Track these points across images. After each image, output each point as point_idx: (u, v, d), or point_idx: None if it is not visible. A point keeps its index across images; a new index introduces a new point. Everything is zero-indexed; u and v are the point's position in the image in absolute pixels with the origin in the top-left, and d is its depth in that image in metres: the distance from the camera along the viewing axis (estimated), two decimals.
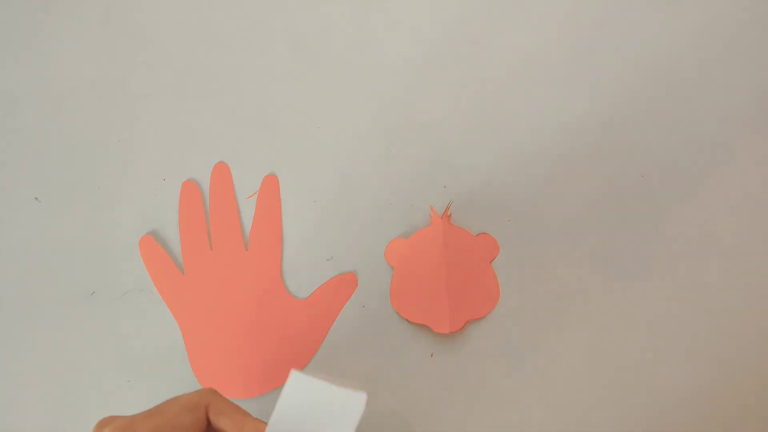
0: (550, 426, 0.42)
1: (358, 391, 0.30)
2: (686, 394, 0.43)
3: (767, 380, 0.43)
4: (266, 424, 0.30)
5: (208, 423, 0.31)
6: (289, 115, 0.48)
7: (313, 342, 0.43)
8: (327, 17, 0.49)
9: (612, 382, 0.42)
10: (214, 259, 0.45)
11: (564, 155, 0.47)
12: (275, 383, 0.43)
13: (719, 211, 0.46)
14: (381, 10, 0.49)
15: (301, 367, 0.43)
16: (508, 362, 0.43)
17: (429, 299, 0.43)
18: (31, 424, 0.42)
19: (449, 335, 0.43)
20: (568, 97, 0.48)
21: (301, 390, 0.30)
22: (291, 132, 0.47)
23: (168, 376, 0.43)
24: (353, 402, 0.30)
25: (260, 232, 0.45)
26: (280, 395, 0.30)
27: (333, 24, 0.49)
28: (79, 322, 0.44)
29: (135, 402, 0.42)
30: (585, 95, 0.48)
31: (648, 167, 0.46)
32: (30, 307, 0.44)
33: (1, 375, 0.43)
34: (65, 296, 0.44)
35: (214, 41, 0.49)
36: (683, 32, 0.49)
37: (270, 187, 0.46)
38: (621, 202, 0.46)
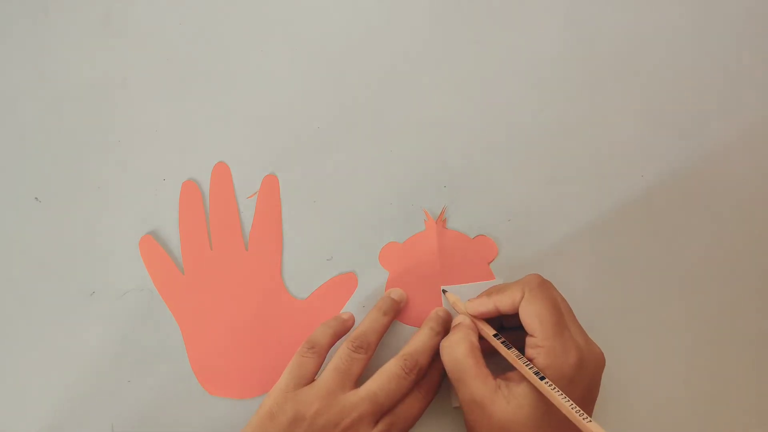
0: None
1: (496, 279, 0.44)
2: (687, 394, 0.43)
3: (765, 380, 0.43)
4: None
5: None
6: (288, 115, 0.48)
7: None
8: (327, 17, 0.49)
9: (611, 382, 0.42)
10: (214, 259, 0.45)
11: (564, 155, 0.47)
12: (275, 383, 0.42)
13: (720, 210, 0.46)
14: (381, 10, 0.49)
15: None
16: None
17: (425, 303, 0.43)
18: (31, 424, 0.42)
19: None
20: (568, 96, 0.48)
21: (456, 290, 0.43)
22: (291, 132, 0.47)
23: (168, 376, 0.43)
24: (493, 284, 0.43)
25: (260, 232, 0.45)
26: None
27: (333, 24, 0.49)
28: (79, 322, 0.44)
29: (135, 402, 0.42)
30: (585, 95, 0.48)
31: (648, 167, 0.46)
32: (30, 307, 0.44)
33: (1, 375, 0.43)
34: (65, 296, 0.44)
35: (214, 41, 0.49)
36: (683, 31, 0.49)
37: (270, 187, 0.46)
38: (621, 203, 0.46)
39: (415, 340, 0.40)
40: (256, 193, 0.46)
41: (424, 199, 0.46)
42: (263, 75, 0.48)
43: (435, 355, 0.40)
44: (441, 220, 0.45)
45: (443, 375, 0.41)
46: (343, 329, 0.41)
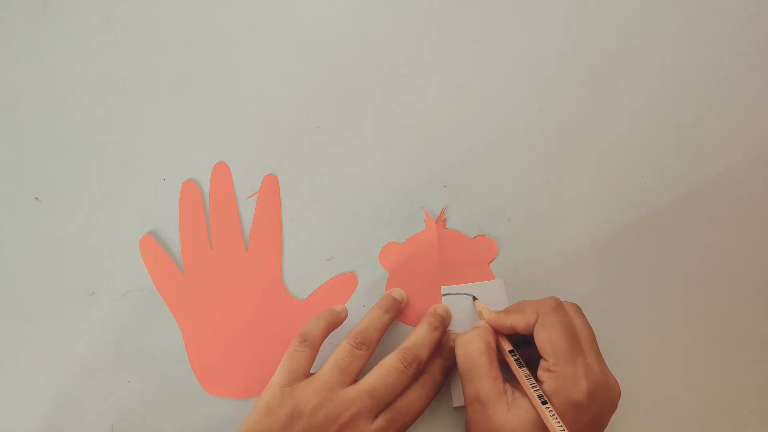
0: None
1: (496, 279, 0.44)
2: (687, 394, 0.43)
3: (765, 380, 0.43)
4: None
5: None
6: (289, 115, 0.48)
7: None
8: (327, 17, 0.49)
9: None
10: (214, 259, 0.45)
11: (564, 155, 0.47)
12: None
13: (720, 210, 0.46)
14: (381, 10, 0.49)
15: None
16: None
17: (425, 303, 0.43)
18: (31, 424, 0.42)
19: None
20: (568, 96, 0.48)
21: (455, 291, 0.43)
22: (291, 132, 0.47)
23: (168, 376, 0.43)
24: (497, 285, 0.43)
25: (260, 232, 0.45)
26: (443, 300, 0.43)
27: (333, 24, 0.49)
28: (79, 322, 0.44)
29: (135, 402, 0.42)
30: (585, 95, 0.48)
31: (648, 167, 0.47)
32: (30, 307, 0.44)
33: (1, 375, 0.43)
34: (65, 296, 0.44)
35: (214, 41, 0.49)
36: (683, 32, 0.49)
37: (270, 187, 0.46)
38: (621, 202, 0.46)
39: (413, 335, 0.40)
40: (256, 193, 0.46)
41: (424, 199, 0.46)
42: (263, 75, 0.48)
43: (438, 352, 0.41)
44: (441, 220, 0.45)
45: (447, 372, 0.41)
46: (336, 321, 0.41)
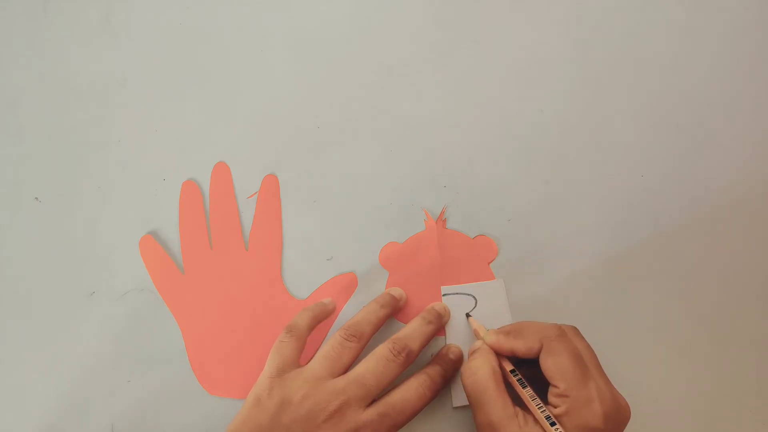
0: None
1: (496, 280, 0.44)
2: (688, 394, 0.43)
3: (765, 380, 0.43)
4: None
5: None
6: (289, 115, 0.48)
7: (313, 342, 0.43)
8: (327, 17, 0.49)
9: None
10: (214, 259, 0.45)
11: (564, 155, 0.47)
12: None
13: (720, 210, 0.46)
14: (381, 10, 0.49)
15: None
16: None
17: (424, 303, 0.43)
18: (31, 423, 0.42)
19: None
20: (568, 96, 0.48)
21: (455, 291, 0.43)
22: (291, 132, 0.47)
23: (168, 376, 0.43)
24: (497, 285, 0.43)
25: (260, 232, 0.45)
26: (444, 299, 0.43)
27: (333, 24, 0.49)
28: (79, 322, 0.44)
29: (135, 402, 0.42)
30: (585, 95, 0.48)
31: (648, 167, 0.46)
32: (30, 307, 0.44)
33: (1, 375, 0.43)
34: (65, 296, 0.44)
35: (214, 41, 0.49)
36: (683, 32, 0.49)
37: (270, 187, 0.46)
38: (621, 202, 0.46)
39: (406, 327, 0.40)
40: (256, 193, 0.46)
41: (424, 199, 0.46)
42: (263, 75, 0.48)
43: (437, 362, 0.40)
44: (441, 220, 0.45)
45: (446, 380, 0.40)
46: (322, 313, 0.42)
